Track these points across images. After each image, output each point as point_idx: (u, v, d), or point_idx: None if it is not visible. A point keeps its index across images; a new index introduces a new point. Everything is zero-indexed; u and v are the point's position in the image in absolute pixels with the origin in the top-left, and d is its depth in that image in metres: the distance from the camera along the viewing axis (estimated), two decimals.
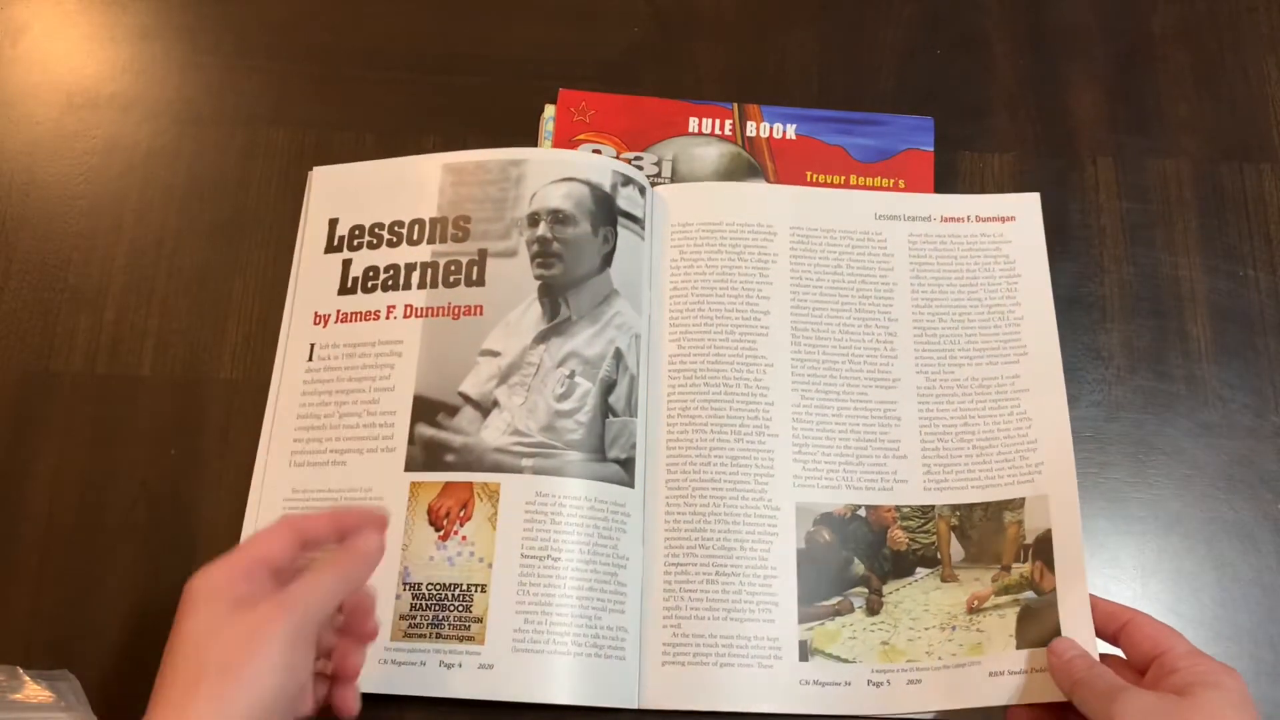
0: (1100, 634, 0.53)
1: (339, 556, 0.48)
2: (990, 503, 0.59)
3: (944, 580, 0.58)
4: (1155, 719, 0.45)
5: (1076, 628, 0.53)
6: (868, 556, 0.58)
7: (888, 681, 0.55)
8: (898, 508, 0.59)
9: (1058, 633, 0.53)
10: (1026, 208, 0.67)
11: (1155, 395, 0.64)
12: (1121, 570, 0.60)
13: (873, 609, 0.57)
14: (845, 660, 0.56)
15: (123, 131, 0.69)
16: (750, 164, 0.68)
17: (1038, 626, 0.54)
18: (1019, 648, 0.54)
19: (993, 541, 0.58)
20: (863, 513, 0.59)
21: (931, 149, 0.68)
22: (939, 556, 0.58)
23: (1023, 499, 0.58)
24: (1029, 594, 0.55)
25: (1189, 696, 0.46)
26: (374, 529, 0.49)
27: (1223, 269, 0.66)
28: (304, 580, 0.45)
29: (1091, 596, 0.54)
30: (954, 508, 0.59)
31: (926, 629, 0.56)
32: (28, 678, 0.55)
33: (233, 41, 0.72)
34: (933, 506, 0.59)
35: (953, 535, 0.58)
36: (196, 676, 0.42)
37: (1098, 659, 0.51)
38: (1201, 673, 0.47)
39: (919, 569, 0.58)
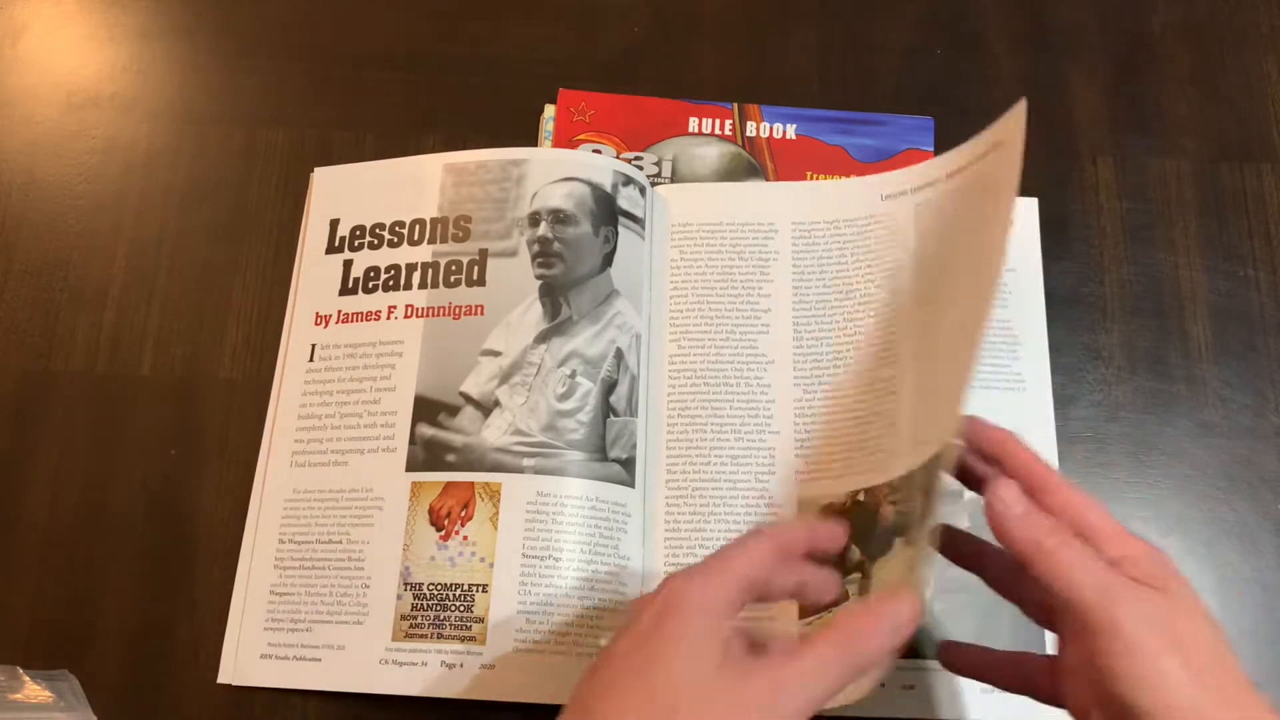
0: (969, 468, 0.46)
1: (847, 634, 0.40)
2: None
3: (908, 544, 0.53)
4: (1155, 625, 0.39)
5: None
6: (864, 540, 0.57)
7: (882, 684, 0.54)
8: (890, 483, 0.58)
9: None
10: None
11: (1155, 395, 0.64)
12: None
13: (864, 591, 0.57)
14: None
15: (123, 131, 0.69)
16: (750, 164, 0.68)
17: None
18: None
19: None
20: (862, 497, 0.59)
21: (931, 149, 0.68)
22: (910, 522, 0.55)
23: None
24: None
25: (1167, 593, 0.40)
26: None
27: (1223, 269, 0.67)
28: (804, 661, 0.39)
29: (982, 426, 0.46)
30: (924, 466, 0.54)
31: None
32: (28, 678, 0.55)
33: (233, 41, 0.72)
34: (912, 471, 0.57)
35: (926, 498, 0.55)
36: None
37: None
38: (1155, 563, 0.41)
39: (895, 540, 0.56)
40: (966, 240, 0.60)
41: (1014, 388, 0.62)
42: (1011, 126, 0.58)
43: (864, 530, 0.57)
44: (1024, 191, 0.67)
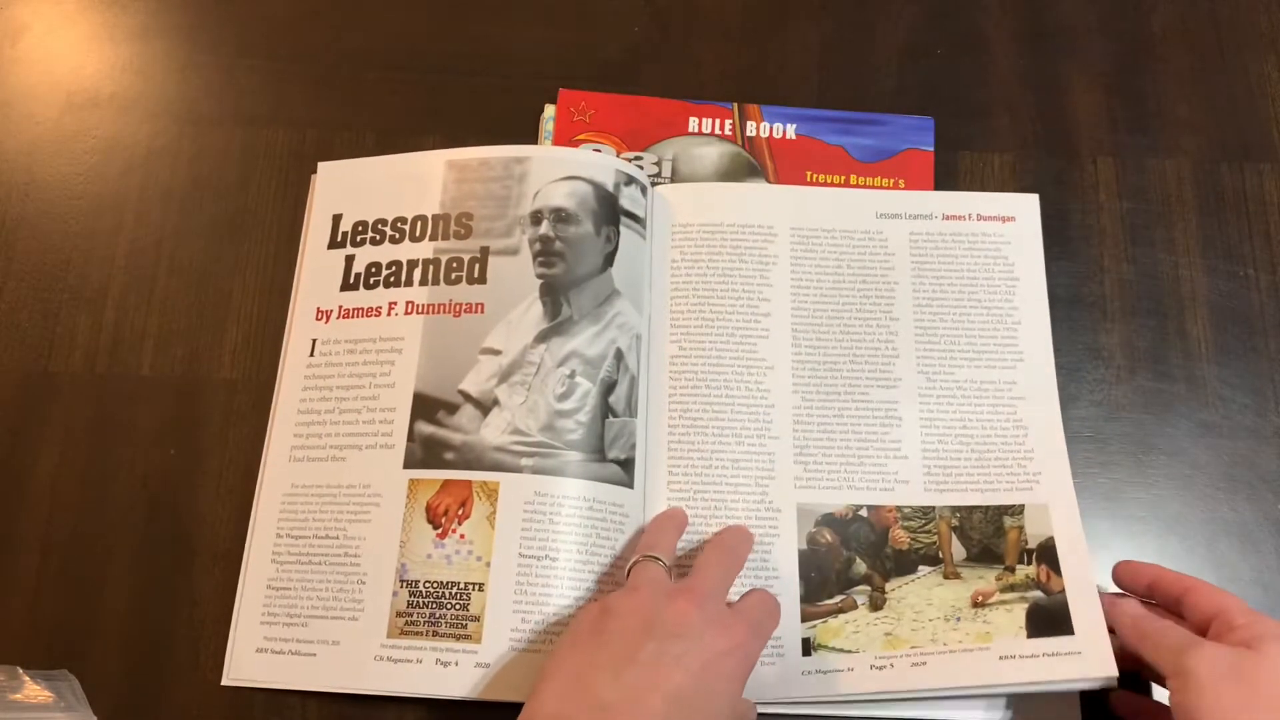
0: (1163, 601, 0.54)
1: (720, 548, 0.55)
2: (990, 506, 0.59)
3: (946, 577, 0.58)
4: (1226, 668, 0.47)
5: (1089, 630, 0.53)
6: (870, 556, 0.58)
7: (890, 665, 0.55)
8: (899, 508, 0.59)
9: (1070, 629, 0.53)
10: (1026, 208, 0.66)
11: (1155, 395, 0.64)
12: None
13: (876, 605, 0.57)
14: (848, 651, 0.56)
15: (123, 131, 0.69)
16: (750, 164, 0.68)
17: (1049, 621, 0.54)
18: (1030, 638, 0.54)
19: (994, 544, 0.58)
20: (864, 513, 0.59)
21: (931, 149, 0.68)
22: (941, 556, 0.58)
23: (1022, 505, 0.58)
24: (1036, 593, 0.55)
25: (1256, 649, 0.47)
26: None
27: (1223, 269, 0.66)
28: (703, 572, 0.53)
29: (1155, 567, 0.55)
30: (954, 509, 0.59)
31: (930, 620, 0.56)
32: (28, 678, 0.55)
33: (233, 41, 0.72)
34: (933, 507, 0.59)
35: (954, 535, 0.58)
36: None
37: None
38: (1265, 627, 0.48)
39: (922, 567, 0.58)
40: (978, 301, 0.64)
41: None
42: (1025, 208, 0.67)
43: (868, 545, 0.58)
44: (1024, 190, 0.68)
